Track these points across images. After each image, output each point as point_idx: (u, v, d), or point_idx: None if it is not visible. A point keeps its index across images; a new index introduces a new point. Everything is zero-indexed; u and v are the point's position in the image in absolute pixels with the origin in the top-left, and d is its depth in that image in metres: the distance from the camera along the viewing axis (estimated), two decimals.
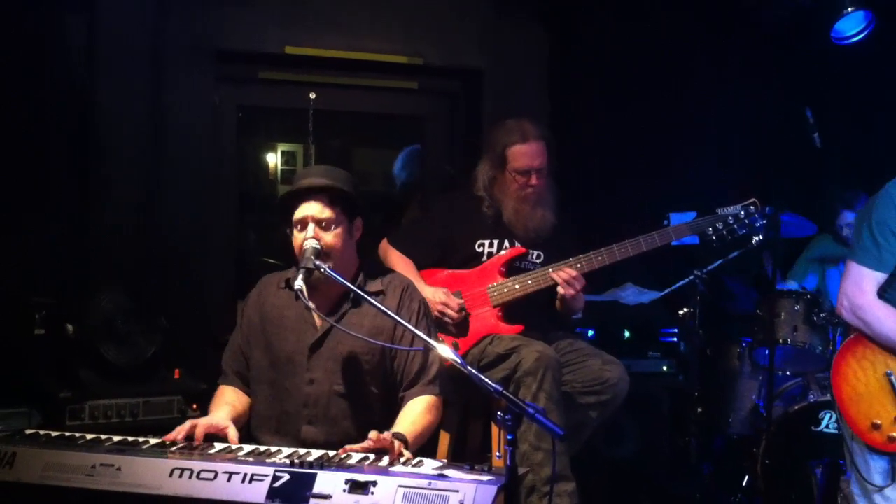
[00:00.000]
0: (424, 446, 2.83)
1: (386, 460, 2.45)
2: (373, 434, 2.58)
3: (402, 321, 2.68)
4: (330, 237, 2.90)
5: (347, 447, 2.55)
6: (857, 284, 3.24)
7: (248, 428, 3.02)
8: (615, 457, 4.72)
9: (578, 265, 3.79)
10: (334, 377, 2.93)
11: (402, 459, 2.49)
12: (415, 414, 2.89)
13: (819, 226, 4.75)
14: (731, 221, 3.84)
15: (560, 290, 3.74)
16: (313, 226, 2.88)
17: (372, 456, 2.49)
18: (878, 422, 3.19)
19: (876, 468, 3.17)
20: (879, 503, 3.20)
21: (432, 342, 2.59)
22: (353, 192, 2.98)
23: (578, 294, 3.77)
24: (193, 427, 2.68)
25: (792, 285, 4.59)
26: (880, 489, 3.19)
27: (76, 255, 4.25)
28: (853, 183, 4.76)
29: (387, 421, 2.70)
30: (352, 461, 2.42)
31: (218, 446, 2.60)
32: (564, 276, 3.73)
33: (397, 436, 2.68)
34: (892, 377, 3.20)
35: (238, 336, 3.10)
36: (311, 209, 2.90)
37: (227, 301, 4.77)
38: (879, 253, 3.21)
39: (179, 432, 2.66)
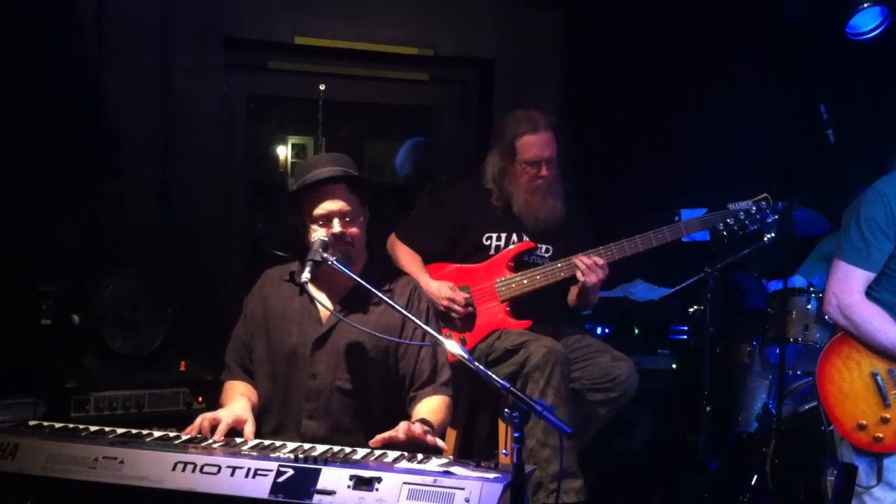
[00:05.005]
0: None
1: (396, 455, 2.43)
2: (403, 424, 2.56)
3: (410, 316, 2.64)
4: (355, 229, 2.88)
5: (378, 437, 2.52)
6: (846, 283, 3.23)
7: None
8: (624, 453, 4.69)
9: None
10: (337, 372, 2.90)
11: (441, 454, 2.47)
12: (433, 407, 2.87)
13: (833, 223, 4.69)
14: (743, 217, 3.81)
15: (580, 276, 3.68)
16: (338, 220, 2.85)
17: (378, 452, 2.47)
18: (864, 422, 3.18)
19: (862, 469, 3.15)
20: None
21: (441, 338, 2.56)
22: (365, 176, 2.96)
23: (597, 284, 3.72)
24: (215, 422, 2.63)
25: (800, 281, 4.54)
26: (867, 489, 3.17)
27: (84, 243, 4.24)
28: (869, 180, 4.71)
29: (386, 418, 2.68)
30: (357, 456, 2.40)
31: (221, 440, 2.58)
32: (588, 263, 3.68)
33: (424, 422, 2.67)
34: (878, 377, 3.19)
35: (241, 330, 3.07)
36: (333, 204, 2.85)
37: (235, 291, 4.74)
38: (868, 251, 3.19)
39: (205, 428, 2.60)
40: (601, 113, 5.20)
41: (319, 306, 2.92)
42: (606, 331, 4.98)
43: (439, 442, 2.59)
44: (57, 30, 4.19)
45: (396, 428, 2.57)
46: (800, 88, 5.23)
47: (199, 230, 4.49)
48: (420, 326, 2.64)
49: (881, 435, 3.15)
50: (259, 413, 2.96)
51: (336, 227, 2.84)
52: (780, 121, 5.44)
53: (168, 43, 4.43)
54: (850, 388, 3.21)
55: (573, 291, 3.88)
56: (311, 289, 2.80)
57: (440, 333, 2.69)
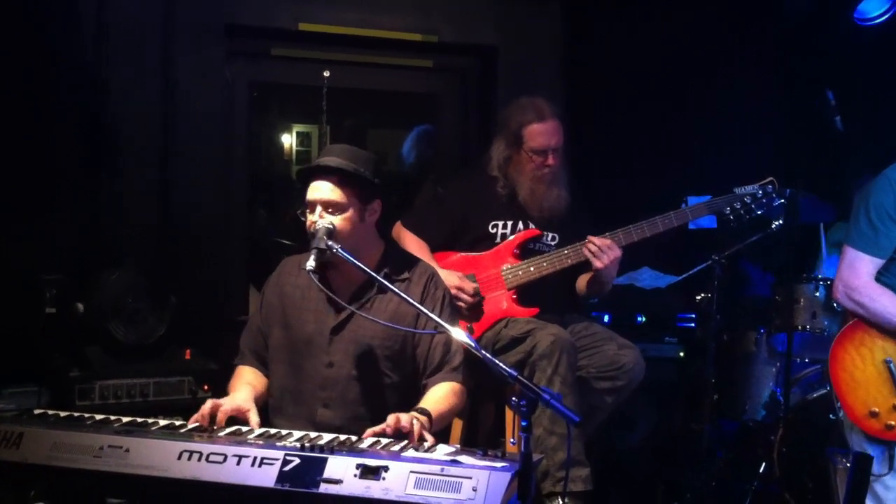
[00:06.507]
0: (438, 432, 2.80)
1: (402, 444, 2.42)
2: (391, 418, 2.55)
3: (424, 310, 2.62)
4: (338, 221, 2.82)
5: (369, 430, 2.51)
6: (853, 268, 3.23)
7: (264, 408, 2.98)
8: (629, 442, 4.68)
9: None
10: (354, 361, 2.89)
11: (426, 444, 2.46)
12: (439, 395, 2.86)
13: (838, 212, 4.67)
14: (749, 201, 3.78)
15: (595, 262, 3.64)
16: (320, 209, 2.83)
17: (384, 440, 2.46)
18: (876, 409, 3.17)
19: (874, 457, 3.14)
20: (880, 491, 3.19)
21: (448, 326, 2.54)
22: (368, 175, 2.88)
23: (609, 267, 3.67)
24: (216, 407, 2.64)
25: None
26: (879, 477, 3.17)
27: (88, 234, 4.24)
28: (877, 167, 4.69)
29: (401, 408, 2.67)
30: (363, 445, 2.39)
31: (228, 429, 2.57)
32: (596, 245, 3.65)
33: (420, 410, 2.66)
34: (891, 364, 3.18)
35: (257, 316, 3.07)
36: (319, 192, 2.83)
37: (238, 281, 4.75)
38: (877, 238, 3.20)
39: (203, 416, 2.61)
40: (601, 112, 5.17)
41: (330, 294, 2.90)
42: (612, 318, 4.97)
43: (426, 435, 2.56)
44: (57, 30, 4.19)
45: (386, 421, 2.56)
46: (800, 87, 5.20)
47: (199, 230, 4.48)
48: (429, 317, 2.60)
49: (893, 423, 3.14)
50: (274, 401, 2.96)
51: (316, 215, 2.82)
52: (780, 120, 5.42)
53: (168, 42, 4.42)
54: (862, 375, 3.20)
55: (584, 279, 3.85)
56: (318, 277, 2.78)
57: (457, 322, 2.66)
